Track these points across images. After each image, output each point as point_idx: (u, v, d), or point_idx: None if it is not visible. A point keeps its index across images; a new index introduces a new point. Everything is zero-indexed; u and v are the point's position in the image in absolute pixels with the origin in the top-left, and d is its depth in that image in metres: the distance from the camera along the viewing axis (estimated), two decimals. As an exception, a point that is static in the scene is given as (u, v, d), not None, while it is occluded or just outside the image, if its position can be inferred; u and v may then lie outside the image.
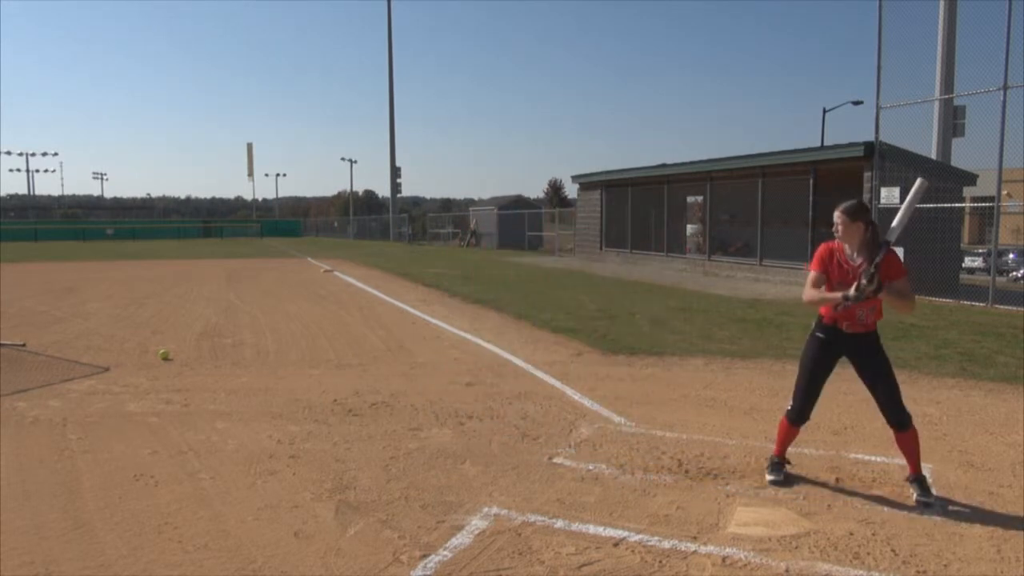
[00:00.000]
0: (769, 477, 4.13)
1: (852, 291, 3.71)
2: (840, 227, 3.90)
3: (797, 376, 4.12)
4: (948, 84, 15.94)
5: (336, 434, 5.07)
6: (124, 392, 6.33)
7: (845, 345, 3.97)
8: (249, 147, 76.75)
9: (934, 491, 3.90)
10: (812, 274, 3.95)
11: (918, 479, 3.89)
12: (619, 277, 18.33)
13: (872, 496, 3.92)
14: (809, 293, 3.93)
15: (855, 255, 3.89)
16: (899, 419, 3.89)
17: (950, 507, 3.78)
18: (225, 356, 8.03)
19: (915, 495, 3.85)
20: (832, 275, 3.91)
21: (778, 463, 4.20)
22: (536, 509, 3.76)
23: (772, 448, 4.28)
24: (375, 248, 37.84)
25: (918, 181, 3.96)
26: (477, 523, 3.58)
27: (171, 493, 4.00)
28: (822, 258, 3.95)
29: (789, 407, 4.12)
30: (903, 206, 3.94)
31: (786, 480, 4.12)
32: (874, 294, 3.69)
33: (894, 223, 3.92)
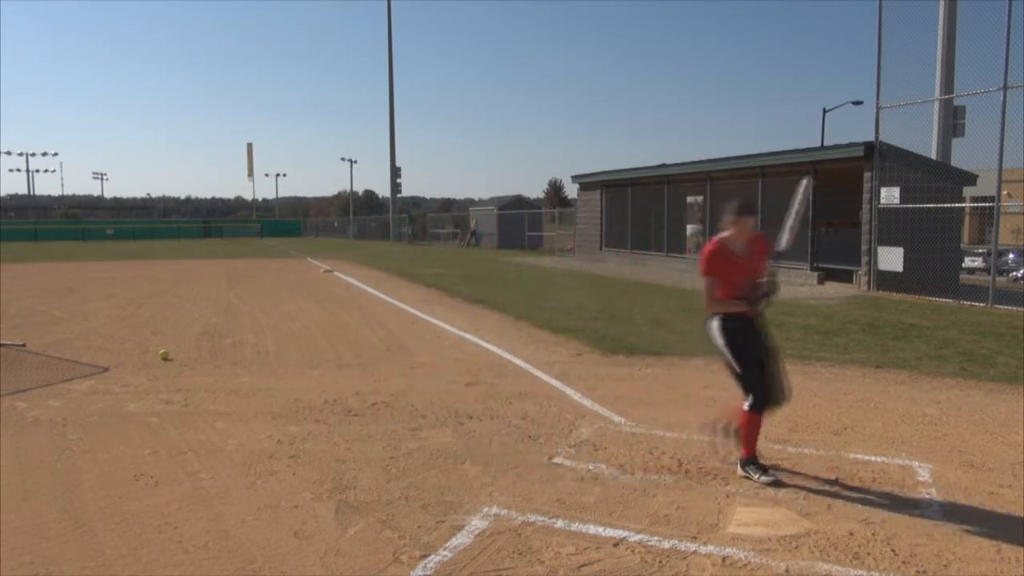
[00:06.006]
0: (765, 479, 4.03)
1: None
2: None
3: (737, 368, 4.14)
4: (948, 84, 15.93)
5: (336, 434, 5.07)
6: (124, 392, 6.33)
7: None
8: (249, 147, 76.75)
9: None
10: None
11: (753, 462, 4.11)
12: (619, 277, 18.32)
13: (872, 496, 3.93)
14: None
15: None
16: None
17: (950, 507, 3.78)
18: (225, 356, 8.03)
19: (758, 477, 4.02)
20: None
21: (757, 463, 4.12)
22: (536, 509, 3.76)
23: (771, 448, 4.26)
24: (375, 248, 37.84)
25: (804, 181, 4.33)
26: (477, 523, 3.58)
27: (171, 493, 4.00)
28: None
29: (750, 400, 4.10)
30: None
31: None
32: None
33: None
